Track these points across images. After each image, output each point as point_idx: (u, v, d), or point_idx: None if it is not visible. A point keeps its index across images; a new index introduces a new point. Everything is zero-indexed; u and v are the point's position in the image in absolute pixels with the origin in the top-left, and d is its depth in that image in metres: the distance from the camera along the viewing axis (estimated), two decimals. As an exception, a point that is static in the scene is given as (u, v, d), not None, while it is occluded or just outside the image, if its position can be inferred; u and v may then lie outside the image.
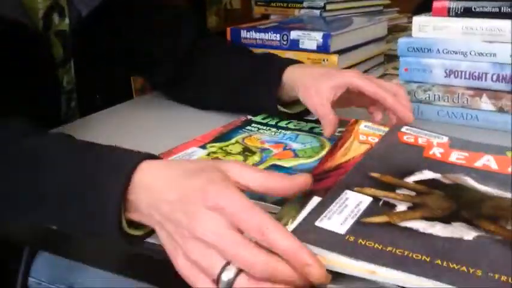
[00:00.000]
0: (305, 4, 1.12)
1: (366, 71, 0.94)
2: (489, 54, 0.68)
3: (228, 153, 0.60)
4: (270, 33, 0.90)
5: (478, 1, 0.69)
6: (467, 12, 0.69)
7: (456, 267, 0.37)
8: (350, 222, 0.42)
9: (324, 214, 0.43)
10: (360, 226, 0.41)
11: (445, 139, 0.58)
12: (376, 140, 0.58)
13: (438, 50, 0.71)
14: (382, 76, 1.00)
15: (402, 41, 0.75)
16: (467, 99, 0.71)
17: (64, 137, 0.50)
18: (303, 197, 0.45)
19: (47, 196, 0.44)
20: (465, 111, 0.71)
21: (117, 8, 0.82)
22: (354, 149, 0.57)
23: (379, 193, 0.46)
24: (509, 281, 0.36)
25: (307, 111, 0.69)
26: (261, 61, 0.76)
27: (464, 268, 0.37)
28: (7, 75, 0.69)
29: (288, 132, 0.66)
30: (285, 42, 0.88)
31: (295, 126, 0.69)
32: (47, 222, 0.47)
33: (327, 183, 0.49)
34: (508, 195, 0.47)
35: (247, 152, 0.61)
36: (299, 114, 0.72)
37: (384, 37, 0.98)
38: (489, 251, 0.39)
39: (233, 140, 0.64)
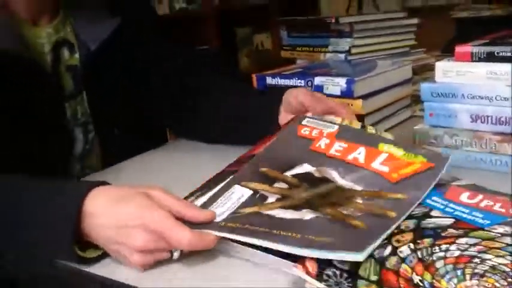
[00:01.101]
0: (330, 48, 1.13)
1: (392, 114, 0.94)
2: (515, 99, 0.67)
3: None
4: (294, 79, 0.91)
5: (500, 46, 0.68)
6: (491, 57, 0.68)
7: (284, 234, 0.49)
8: (227, 213, 0.53)
9: (212, 206, 0.55)
10: (233, 215, 0.53)
11: (335, 128, 0.67)
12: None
13: (463, 95, 0.71)
14: (408, 119, 0.99)
15: (425, 86, 0.75)
16: (495, 145, 0.69)
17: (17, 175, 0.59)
18: (222, 175, 0.60)
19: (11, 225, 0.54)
20: (494, 156, 0.70)
21: (124, 41, 0.86)
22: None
23: (259, 187, 0.57)
24: (317, 239, 0.47)
25: None
26: (259, 98, 0.85)
27: (289, 233, 0.49)
28: (11, 108, 0.72)
29: None
30: (309, 88, 0.89)
31: None
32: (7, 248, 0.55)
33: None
34: (357, 187, 0.57)
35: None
36: None
37: (410, 79, 0.97)
38: (316, 225, 0.51)
39: None
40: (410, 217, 0.52)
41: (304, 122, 0.69)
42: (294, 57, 1.23)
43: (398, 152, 0.63)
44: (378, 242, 0.47)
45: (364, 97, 0.86)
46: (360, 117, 0.80)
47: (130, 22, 0.86)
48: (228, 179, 0.59)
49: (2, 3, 0.75)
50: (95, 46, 0.81)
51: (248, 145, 0.72)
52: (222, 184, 0.58)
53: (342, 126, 0.68)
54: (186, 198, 0.58)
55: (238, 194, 0.57)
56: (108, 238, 0.51)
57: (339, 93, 0.86)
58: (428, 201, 0.55)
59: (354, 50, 1.10)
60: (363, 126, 0.69)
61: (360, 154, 0.63)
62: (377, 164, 0.61)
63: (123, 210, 0.51)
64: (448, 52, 1.55)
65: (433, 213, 0.53)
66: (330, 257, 0.45)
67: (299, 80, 0.91)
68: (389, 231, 0.49)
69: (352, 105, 0.85)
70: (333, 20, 1.07)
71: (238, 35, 3.14)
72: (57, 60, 0.81)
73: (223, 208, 0.54)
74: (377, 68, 0.93)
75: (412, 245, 0.47)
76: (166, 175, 0.79)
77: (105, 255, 0.53)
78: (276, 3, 3.28)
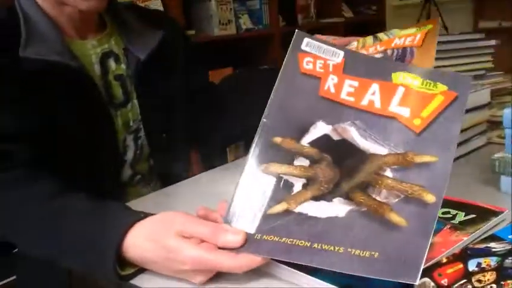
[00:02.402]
0: (400, 69, 1.09)
1: (467, 140, 0.89)
2: None
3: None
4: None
5: None
6: None
7: (326, 248, 0.46)
8: (259, 217, 0.52)
9: (232, 213, 0.54)
10: (266, 220, 0.52)
11: (341, 56, 0.61)
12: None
13: (550, 122, 0.65)
14: (484, 145, 0.93)
15: (508, 111, 0.70)
16: None
17: (83, 199, 0.62)
18: None
19: (64, 246, 0.57)
20: None
21: (171, 49, 0.92)
22: None
23: (281, 170, 0.55)
24: (362, 255, 0.45)
25: None
26: None
27: (332, 247, 0.46)
28: (65, 118, 0.76)
29: None
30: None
31: None
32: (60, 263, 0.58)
33: None
34: (381, 150, 0.53)
35: None
36: None
37: (487, 104, 0.92)
38: (354, 226, 0.48)
39: None
40: (492, 254, 0.48)
41: (304, 47, 0.62)
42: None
43: (415, 82, 0.57)
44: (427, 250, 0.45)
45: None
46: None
47: (169, 35, 0.91)
48: (249, 163, 0.57)
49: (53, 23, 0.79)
50: (144, 56, 0.86)
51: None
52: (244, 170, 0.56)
53: (348, 53, 0.62)
54: None
55: (262, 183, 0.55)
56: (161, 266, 0.54)
57: (410, 116, 0.82)
58: (511, 236, 0.51)
59: (425, 72, 1.05)
60: (375, 37, 0.69)
61: (374, 95, 0.57)
62: (395, 106, 0.56)
63: (163, 259, 0.53)
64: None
65: (518, 250, 0.49)
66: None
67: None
68: (434, 227, 0.47)
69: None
70: (405, 41, 1.03)
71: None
72: (105, 70, 0.85)
73: (251, 209, 0.54)
74: (452, 91, 0.88)
75: (495, 286, 0.43)
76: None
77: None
78: (341, 24, 3.26)
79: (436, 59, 1.06)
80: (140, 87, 0.88)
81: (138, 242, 0.54)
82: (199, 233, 0.52)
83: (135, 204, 0.75)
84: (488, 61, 1.14)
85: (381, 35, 0.70)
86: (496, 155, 0.71)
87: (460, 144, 0.87)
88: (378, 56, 0.64)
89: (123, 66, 0.88)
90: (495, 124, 0.99)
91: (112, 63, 0.86)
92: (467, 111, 0.87)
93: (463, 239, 0.54)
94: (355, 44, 0.71)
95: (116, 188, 0.86)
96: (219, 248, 0.51)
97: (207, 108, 0.98)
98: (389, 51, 0.64)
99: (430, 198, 0.49)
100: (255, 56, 2.76)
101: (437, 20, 0.67)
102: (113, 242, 0.54)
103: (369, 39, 0.70)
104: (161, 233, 0.53)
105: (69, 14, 0.81)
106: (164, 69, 0.91)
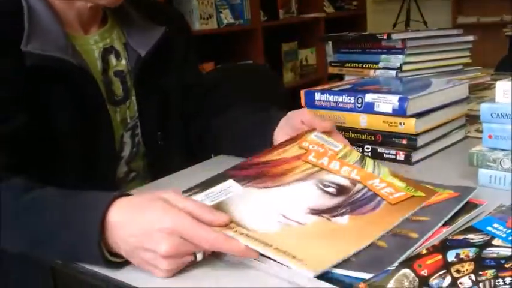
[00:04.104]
0: (380, 64, 1.11)
1: (445, 135, 0.90)
2: None
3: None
4: (344, 96, 0.89)
5: None
6: (558, 78, 0.65)
7: None
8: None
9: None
10: None
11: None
12: (316, 148, 0.68)
13: (526, 116, 0.67)
14: (462, 140, 0.95)
15: (485, 106, 0.71)
16: (561, 170, 0.65)
17: (54, 190, 0.61)
18: (222, 176, 0.60)
19: (43, 235, 0.56)
20: (559, 182, 0.65)
21: (174, 46, 0.91)
22: (290, 151, 0.68)
23: None
24: None
25: None
26: (262, 118, 0.88)
27: None
28: (66, 112, 0.76)
29: None
30: (359, 105, 0.87)
31: None
32: (42, 254, 0.58)
33: (248, 173, 0.62)
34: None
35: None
36: None
37: (465, 99, 0.94)
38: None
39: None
40: (470, 245, 0.49)
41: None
42: (342, 73, 1.21)
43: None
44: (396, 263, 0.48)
45: (417, 116, 0.83)
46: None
47: (172, 34, 0.90)
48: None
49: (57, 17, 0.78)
50: (145, 52, 0.85)
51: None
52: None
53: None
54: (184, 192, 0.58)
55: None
56: (134, 246, 0.52)
57: (390, 111, 0.83)
58: (489, 228, 0.52)
59: (405, 67, 1.07)
60: (362, 156, 0.69)
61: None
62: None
63: (144, 217, 0.52)
64: (501, 70, 1.49)
65: (494, 241, 0.50)
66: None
67: (349, 97, 0.88)
68: (408, 253, 0.51)
69: (404, 124, 0.83)
70: (385, 36, 1.04)
71: (284, 49, 3.14)
72: (106, 66, 0.84)
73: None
74: (431, 86, 0.89)
75: (473, 276, 0.44)
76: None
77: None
78: (322, 19, 3.28)
79: (414, 54, 1.09)
80: (139, 84, 0.87)
81: (120, 215, 0.53)
82: (188, 206, 0.52)
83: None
84: (466, 56, 1.16)
85: (368, 161, 0.68)
86: (473, 149, 0.72)
87: (439, 138, 0.89)
88: (343, 182, 0.63)
89: (123, 62, 0.87)
90: (473, 118, 1.00)
91: (113, 59, 0.86)
92: (447, 105, 0.89)
93: (442, 231, 0.55)
94: (339, 147, 0.70)
95: (111, 184, 0.86)
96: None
97: (202, 108, 0.98)
98: (357, 187, 0.62)
99: (413, 235, 0.54)
100: (236, 51, 2.76)
101: (434, 194, 0.62)
102: (95, 218, 0.53)
103: (354, 153, 0.69)
104: (145, 202, 0.54)
105: (78, 7, 0.80)
106: (165, 66, 0.91)
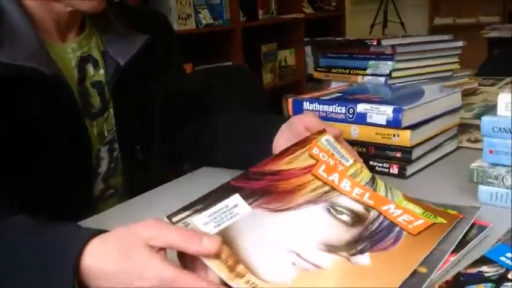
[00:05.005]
0: (369, 71, 1.07)
1: (437, 146, 0.87)
2: None
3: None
4: (334, 106, 0.85)
5: None
6: None
7: None
8: None
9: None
10: None
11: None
12: (326, 158, 0.61)
13: (530, 131, 0.63)
14: (455, 151, 0.91)
15: (486, 120, 0.67)
16: None
17: (26, 222, 0.53)
18: (227, 190, 0.51)
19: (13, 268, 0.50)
20: None
21: (151, 59, 0.84)
22: (300, 160, 0.59)
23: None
24: None
25: None
26: (261, 123, 0.82)
27: None
28: (38, 126, 0.69)
29: None
30: (350, 116, 0.83)
31: None
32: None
33: (256, 185, 0.53)
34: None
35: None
36: None
37: (459, 108, 0.90)
38: None
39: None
40: (486, 280, 0.45)
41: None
42: (328, 79, 1.17)
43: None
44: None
45: (412, 127, 0.79)
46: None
47: (155, 41, 0.84)
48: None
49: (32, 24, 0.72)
50: (124, 61, 0.79)
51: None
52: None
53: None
54: (179, 211, 0.49)
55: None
56: None
57: (384, 122, 0.79)
58: (502, 259, 0.48)
59: (395, 74, 1.03)
60: (373, 177, 0.63)
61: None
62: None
63: (122, 267, 0.46)
64: (484, 74, 1.47)
65: (510, 275, 0.46)
66: None
67: (339, 107, 0.84)
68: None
69: (398, 136, 0.79)
70: (375, 42, 1.00)
71: (263, 50, 3.10)
72: (83, 76, 0.78)
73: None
74: (425, 95, 0.86)
75: (492, 316, 0.40)
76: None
77: None
78: (302, 19, 3.24)
79: (404, 61, 1.06)
80: (117, 96, 0.81)
81: (99, 253, 0.47)
82: (171, 239, 0.46)
83: (97, 219, 0.69)
84: (455, 62, 1.13)
85: (380, 183, 0.62)
86: (473, 165, 0.68)
87: (432, 150, 0.85)
88: (357, 208, 0.56)
89: (101, 71, 0.81)
90: (464, 127, 0.97)
91: (90, 69, 0.79)
92: (440, 115, 0.85)
93: (450, 260, 0.51)
94: (349, 162, 0.63)
95: (86, 202, 0.79)
96: (193, 256, 0.46)
97: (191, 115, 0.92)
98: (372, 214, 0.55)
99: (423, 270, 0.49)
100: (215, 52, 2.70)
101: (455, 219, 0.57)
102: (71, 255, 0.47)
103: (365, 172, 0.63)
104: (126, 242, 0.47)
105: (57, 13, 0.74)
106: (146, 75, 0.84)
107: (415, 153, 0.80)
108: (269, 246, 0.48)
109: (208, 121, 0.90)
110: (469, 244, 0.54)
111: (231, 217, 0.49)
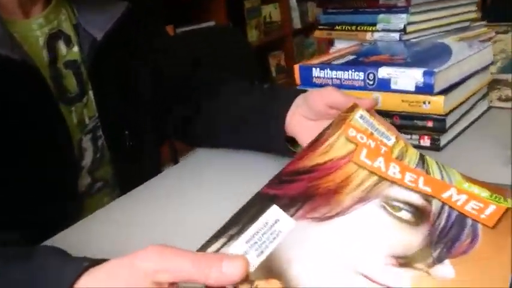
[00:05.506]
0: (379, 26, 0.95)
1: (469, 110, 0.76)
2: None
3: None
4: (350, 71, 0.73)
5: None
6: None
7: None
8: None
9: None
10: None
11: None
12: (365, 140, 0.50)
13: None
14: (486, 112, 0.81)
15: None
16: None
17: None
18: (261, 202, 0.40)
19: None
20: None
21: (133, 30, 0.72)
22: (337, 148, 0.48)
23: None
24: None
25: None
26: (268, 96, 0.72)
27: None
28: (8, 120, 0.59)
29: None
30: (371, 82, 0.72)
31: None
32: None
33: (294, 189, 0.42)
34: None
35: None
36: None
37: (490, 65, 0.79)
38: None
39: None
40: None
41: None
42: (331, 38, 1.05)
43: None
44: None
45: (445, 92, 0.68)
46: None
47: (136, 8, 0.71)
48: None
49: None
50: (102, 34, 0.67)
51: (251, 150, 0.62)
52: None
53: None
54: (211, 240, 0.37)
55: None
56: None
57: (412, 88, 0.68)
58: None
59: (410, 28, 0.91)
60: (422, 156, 0.51)
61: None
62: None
63: None
64: (488, 16, 1.35)
65: None
66: None
67: (357, 73, 0.73)
68: None
69: (429, 103, 0.68)
70: (387, -7, 0.88)
71: (246, 6, 2.93)
72: (54, 56, 0.66)
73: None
74: (453, 53, 0.74)
75: None
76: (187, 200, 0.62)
77: None
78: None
79: (419, 12, 0.94)
80: (96, 76, 0.69)
81: None
82: (183, 269, 0.35)
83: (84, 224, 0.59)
84: (473, 11, 1.01)
85: (431, 162, 0.50)
86: (527, 134, 0.58)
87: (463, 115, 0.75)
88: (415, 200, 0.44)
89: (75, 49, 0.68)
90: (490, 84, 0.87)
91: (62, 47, 0.67)
92: (472, 75, 0.75)
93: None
94: (392, 140, 0.51)
95: (72, 200, 0.69)
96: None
97: (185, 90, 0.80)
98: (435, 205, 0.44)
99: None
100: (196, 11, 2.54)
101: None
102: None
103: (411, 151, 0.51)
104: (124, 281, 0.36)
105: None
106: (128, 49, 0.72)
107: (449, 121, 0.70)
108: (328, 269, 0.37)
109: (200, 99, 0.79)
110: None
111: (274, 238, 0.38)
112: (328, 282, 0.36)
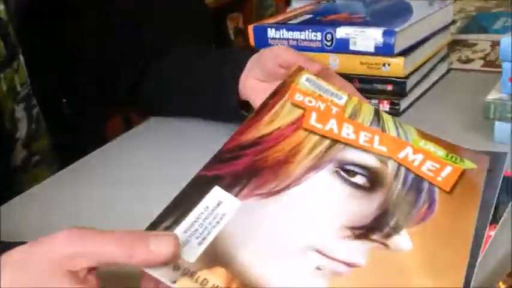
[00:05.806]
0: (338, -17, 0.90)
1: (429, 72, 0.74)
2: None
3: None
4: (307, 32, 0.69)
5: None
6: None
7: None
8: None
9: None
10: None
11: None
12: (314, 103, 0.46)
13: None
14: (446, 74, 0.79)
15: (506, 40, 0.54)
16: None
17: None
18: (201, 185, 0.36)
19: None
20: None
21: None
22: (284, 115, 0.44)
23: None
24: None
25: None
26: (221, 59, 0.67)
27: None
28: None
29: None
30: (328, 43, 0.67)
31: None
32: None
33: (238, 166, 0.39)
34: None
35: None
36: None
37: (450, 24, 0.77)
38: None
39: None
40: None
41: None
42: (288, -4, 1.00)
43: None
44: None
45: (405, 53, 0.65)
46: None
47: None
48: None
49: None
50: None
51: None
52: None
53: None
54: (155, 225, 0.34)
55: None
56: None
57: (372, 49, 0.64)
58: None
59: (370, -15, 0.87)
60: (377, 111, 0.48)
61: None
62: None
63: None
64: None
65: None
66: None
67: (314, 33, 0.68)
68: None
69: (388, 65, 0.65)
70: None
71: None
72: None
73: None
74: (414, 12, 0.71)
75: None
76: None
77: None
78: None
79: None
80: (26, 37, 0.63)
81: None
82: (100, 252, 0.31)
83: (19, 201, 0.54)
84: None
85: (387, 118, 0.46)
86: (489, 97, 0.56)
87: (423, 78, 0.72)
88: (370, 162, 0.41)
89: (0, 6, 0.61)
90: (451, 45, 0.84)
91: None
92: (432, 35, 0.72)
93: (490, 235, 0.40)
94: (343, 98, 0.47)
95: (6, 175, 0.63)
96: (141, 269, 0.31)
97: (130, 51, 0.74)
98: (390, 166, 0.41)
99: None
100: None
101: (485, 162, 0.44)
102: None
103: (366, 107, 0.47)
104: (33, 272, 0.31)
105: None
106: (62, 5, 0.65)
107: (409, 84, 0.67)
108: (278, 249, 0.34)
109: (148, 63, 0.73)
110: (508, 209, 0.43)
111: (217, 222, 0.34)
112: (278, 263, 0.33)
